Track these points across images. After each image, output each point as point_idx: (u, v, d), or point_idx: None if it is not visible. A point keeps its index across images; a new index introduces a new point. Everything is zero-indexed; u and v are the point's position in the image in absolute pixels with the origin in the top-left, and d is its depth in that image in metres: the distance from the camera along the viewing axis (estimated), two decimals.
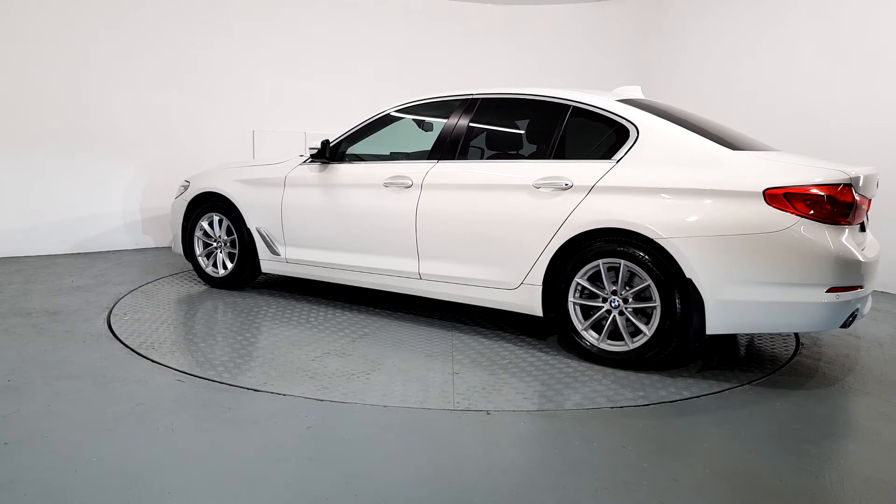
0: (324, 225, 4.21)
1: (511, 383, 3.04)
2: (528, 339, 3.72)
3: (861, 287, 3.00)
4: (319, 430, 2.48)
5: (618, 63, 7.92)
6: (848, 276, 2.93)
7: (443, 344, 3.61)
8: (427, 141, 4.45)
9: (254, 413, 2.64)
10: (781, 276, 2.91)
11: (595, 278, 3.30)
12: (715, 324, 3.02)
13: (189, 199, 4.83)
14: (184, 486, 2.04)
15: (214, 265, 4.81)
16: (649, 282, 3.11)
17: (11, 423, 2.48)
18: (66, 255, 6.15)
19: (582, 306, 3.35)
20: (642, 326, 3.18)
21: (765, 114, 6.26)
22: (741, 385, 3.11)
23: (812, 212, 2.89)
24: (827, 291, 2.89)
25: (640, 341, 3.19)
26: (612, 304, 3.25)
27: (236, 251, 4.63)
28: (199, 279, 4.98)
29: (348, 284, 4.26)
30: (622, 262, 3.17)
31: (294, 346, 3.53)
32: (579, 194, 3.30)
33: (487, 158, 3.94)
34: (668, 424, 2.64)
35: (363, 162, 4.23)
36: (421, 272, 3.84)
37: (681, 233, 3.02)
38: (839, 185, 2.92)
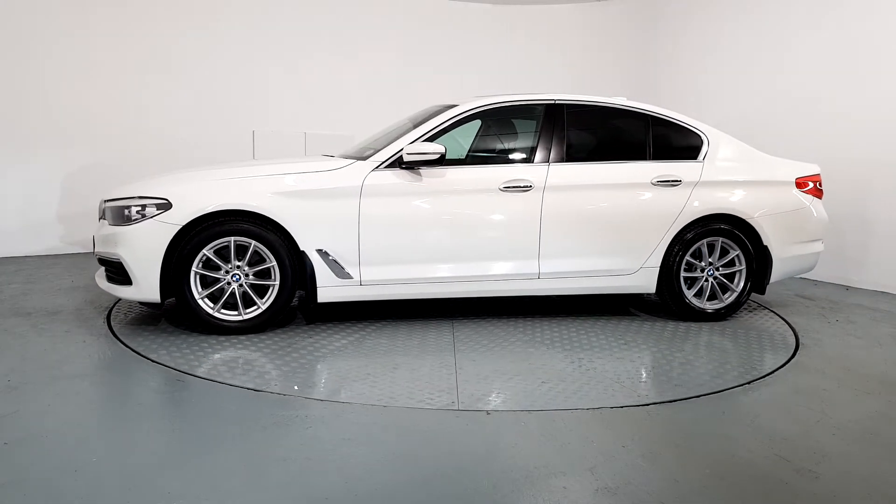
0: (427, 236, 3.85)
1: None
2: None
3: None
4: (319, 430, 2.49)
5: (618, 63, 7.92)
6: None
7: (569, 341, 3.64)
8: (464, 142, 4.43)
9: (254, 413, 2.64)
10: (806, 236, 4.38)
11: (694, 255, 4.17)
12: (776, 276, 4.29)
13: (184, 223, 3.52)
14: (184, 486, 2.04)
15: (227, 307, 3.66)
16: (738, 251, 4.18)
17: (11, 423, 2.48)
18: (66, 255, 6.15)
19: (685, 278, 4.18)
20: (731, 285, 4.25)
21: (764, 113, 6.26)
22: (741, 385, 3.11)
23: (815, 192, 4.42)
24: (821, 243, 4.49)
25: (730, 298, 4.26)
26: (708, 273, 4.21)
27: (276, 282, 3.67)
28: (199, 329, 3.69)
29: (447, 297, 3.99)
30: (720, 238, 4.16)
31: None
32: (688, 189, 4.13)
33: (593, 160, 4.19)
34: (668, 424, 2.65)
35: (462, 165, 4.09)
36: (541, 271, 3.98)
37: (760, 212, 4.18)
38: (819, 174, 4.49)
